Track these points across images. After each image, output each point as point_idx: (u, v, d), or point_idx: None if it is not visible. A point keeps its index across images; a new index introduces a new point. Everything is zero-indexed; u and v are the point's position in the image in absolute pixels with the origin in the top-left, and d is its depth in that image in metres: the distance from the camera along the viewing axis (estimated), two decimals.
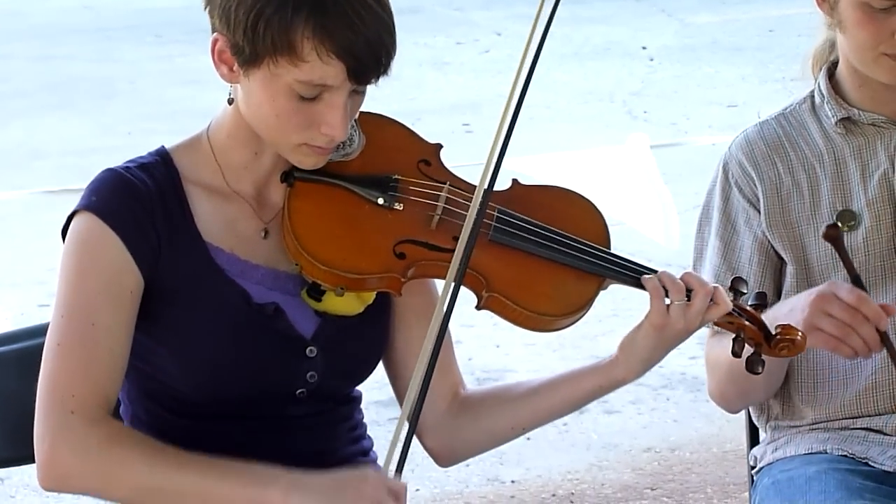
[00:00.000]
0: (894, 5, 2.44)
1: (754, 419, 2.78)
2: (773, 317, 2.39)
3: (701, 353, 4.72)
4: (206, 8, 2.11)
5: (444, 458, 2.37)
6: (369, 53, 2.05)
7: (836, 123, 2.60)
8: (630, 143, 3.46)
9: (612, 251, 2.23)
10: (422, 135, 2.25)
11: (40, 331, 2.28)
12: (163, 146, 2.21)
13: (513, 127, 2.08)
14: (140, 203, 2.13)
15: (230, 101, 2.15)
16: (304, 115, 2.08)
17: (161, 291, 2.13)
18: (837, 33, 2.57)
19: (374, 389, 2.37)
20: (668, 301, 2.17)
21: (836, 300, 2.34)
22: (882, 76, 2.54)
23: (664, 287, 2.17)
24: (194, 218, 2.16)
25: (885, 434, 2.54)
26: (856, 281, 2.37)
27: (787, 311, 2.42)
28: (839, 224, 2.38)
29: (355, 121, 2.17)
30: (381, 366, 2.35)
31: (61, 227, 2.15)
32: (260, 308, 2.16)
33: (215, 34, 2.08)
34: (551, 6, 2.11)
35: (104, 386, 2.09)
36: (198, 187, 2.18)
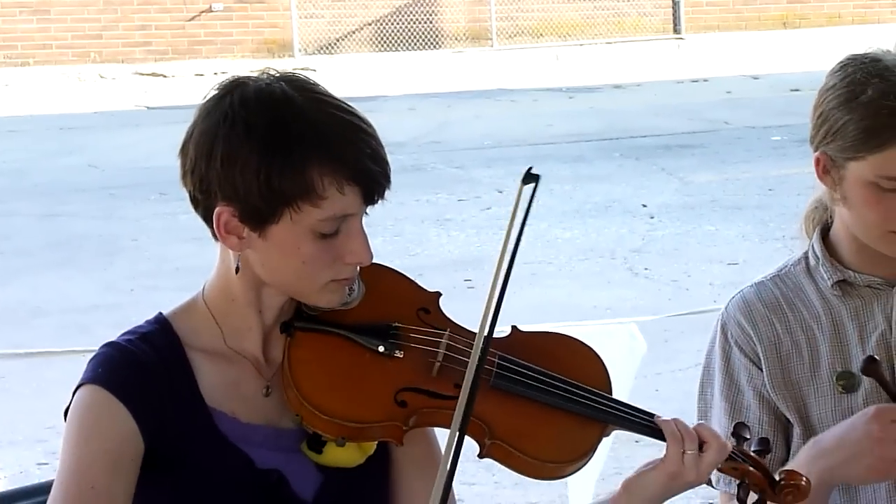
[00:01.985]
0: None
1: None
2: (815, 451, 2.44)
3: None
4: (194, 191, 2.14)
5: None
6: (378, 171, 2.10)
7: (832, 286, 2.61)
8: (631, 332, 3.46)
9: (615, 397, 2.23)
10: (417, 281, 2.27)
11: (40, 490, 2.28)
12: (160, 313, 2.22)
13: (509, 272, 2.06)
14: (144, 374, 2.14)
15: (237, 270, 2.15)
16: (329, 253, 2.11)
17: (165, 458, 2.13)
18: (839, 204, 2.59)
19: None
20: (683, 450, 2.16)
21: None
22: (888, 251, 2.56)
23: (682, 435, 2.16)
24: (198, 384, 2.17)
25: None
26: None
27: (838, 445, 2.42)
28: (876, 357, 2.37)
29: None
30: None
31: (65, 402, 2.15)
32: (263, 475, 2.15)
33: (217, 209, 2.10)
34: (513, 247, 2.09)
35: None
36: (199, 352, 2.19)
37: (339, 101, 2.14)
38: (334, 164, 2.06)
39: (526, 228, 2.10)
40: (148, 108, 18.54)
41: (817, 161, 2.57)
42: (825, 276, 2.62)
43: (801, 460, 2.44)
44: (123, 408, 2.11)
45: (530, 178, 2.11)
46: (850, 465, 2.39)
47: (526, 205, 2.09)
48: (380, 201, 2.13)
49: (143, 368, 2.14)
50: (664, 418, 2.20)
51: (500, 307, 2.05)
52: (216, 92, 2.15)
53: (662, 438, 2.20)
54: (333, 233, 2.09)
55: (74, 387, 2.15)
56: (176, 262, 8.84)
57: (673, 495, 2.21)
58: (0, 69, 22.08)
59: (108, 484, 2.08)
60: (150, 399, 2.12)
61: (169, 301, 2.26)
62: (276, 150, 2.06)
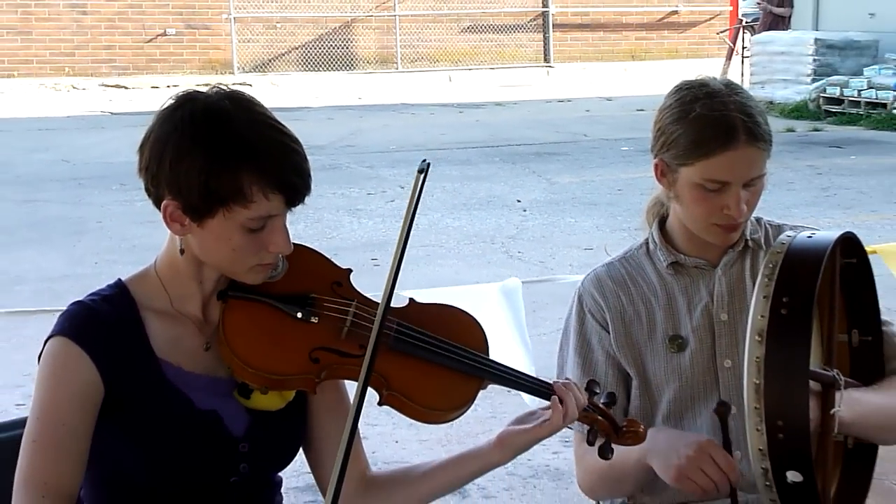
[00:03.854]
0: (722, 187, 2.48)
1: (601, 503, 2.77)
2: (652, 443, 2.42)
3: (561, 449, 4.78)
4: (148, 183, 2.13)
5: None
6: (299, 182, 2.09)
7: (666, 266, 2.64)
8: (506, 282, 3.47)
9: (491, 358, 2.23)
10: (332, 259, 2.26)
11: (17, 424, 2.26)
12: (119, 279, 2.21)
13: (406, 245, 2.08)
14: (104, 328, 2.12)
15: (182, 252, 2.15)
16: (255, 243, 2.09)
17: (121, 399, 2.11)
18: (673, 201, 2.62)
19: (293, 477, 2.34)
20: (552, 405, 2.19)
21: (713, 463, 2.36)
22: (712, 239, 2.59)
23: (552, 395, 2.19)
24: (149, 338, 2.15)
25: None
26: (726, 445, 2.36)
27: (666, 448, 2.44)
28: (727, 402, 2.36)
29: None
30: (298, 456, 2.32)
31: (39, 351, 2.13)
32: (202, 414, 2.15)
33: (165, 201, 2.08)
34: (407, 227, 2.10)
35: (71, 475, 2.07)
36: (150, 312, 2.18)
37: (273, 120, 2.12)
38: (262, 175, 2.05)
39: (422, 218, 2.11)
40: (112, 113, 18.30)
41: (656, 166, 2.59)
42: (661, 258, 2.65)
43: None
44: (86, 356, 2.09)
45: (423, 166, 2.12)
46: (663, 459, 2.41)
47: (419, 186, 2.09)
48: (303, 203, 2.12)
49: (104, 323, 2.13)
50: (539, 379, 2.23)
51: (395, 282, 2.04)
52: (172, 102, 2.13)
53: (529, 392, 2.23)
54: (260, 228, 2.08)
55: (45, 338, 2.13)
56: (133, 241, 8.74)
57: (539, 442, 2.23)
58: None
59: (75, 422, 2.07)
60: (109, 349, 2.11)
61: (126, 273, 2.24)
62: (215, 159, 2.04)
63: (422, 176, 2.10)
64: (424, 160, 2.15)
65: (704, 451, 2.36)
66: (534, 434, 2.19)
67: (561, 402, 2.17)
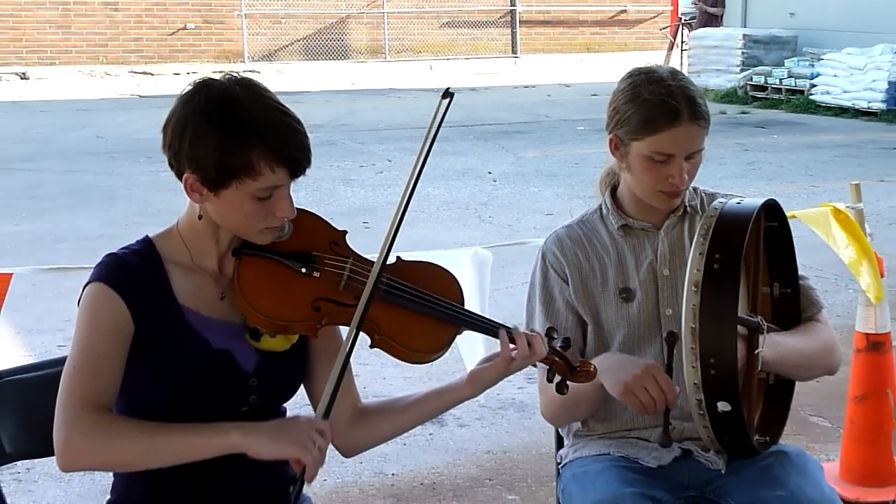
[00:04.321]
0: (667, 159, 2.49)
1: (561, 431, 2.79)
2: (606, 363, 2.44)
3: (525, 384, 4.80)
4: (171, 159, 2.12)
5: (348, 451, 2.35)
6: (301, 157, 2.09)
7: (617, 228, 2.64)
8: (478, 251, 3.47)
9: (466, 308, 2.24)
10: (330, 222, 2.26)
11: (59, 361, 2.26)
12: (147, 236, 2.21)
13: (401, 222, 2.10)
14: (134, 276, 2.12)
15: (200, 217, 2.15)
16: (264, 210, 2.09)
17: (148, 338, 2.11)
18: (624, 171, 2.61)
19: (295, 409, 2.34)
20: (513, 347, 2.20)
21: (655, 383, 2.36)
22: (657, 204, 2.60)
23: (513, 339, 2.20)
24: (171, 287, 2.15)
25: (649, 442, 2.55)
26: (668, 370, 2.36)
27: (618, 368, 2.44)
28: (675, 332, 2.35)
29: None
30: (300, 391, 2.33)
31: (78, 295, 2.13)
32: (217, 353, 2.15)
33: (185, 174, 2.09)
34: (429, 145, 2.14)
35: (105, 394, 2.07)
36: (173, 265, 2.17)
37: (278, 103, 2.11)
38: (269, 151, 2.04)
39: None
40: (140, 96, 18.15)
41: (610, 141, 2.59)
42: (613, 221, 2.65)
43: (597, 358, 2.47)
44: (119, 298, 2.09)
45: (447, 94, 2.16)
46: (613, 376, 2.41)
47: (444, 112, 2.13)
48: (304, 175, 2.12)
49: (133, 271, 2.13)
50: (507, 326, 2.24)
51: (392, 246, 2.08)
52: (190, 88, 2.12)
53: (495, 336, 2.23)
54: (267, 197, 2.08)
55: (83, 284, 2.13)
56: (158, 206, 8.68)
57: (504, 377, 2.25)
58: (35, 67, 21.64)
59: (111, 353, 2.07)
60: (138, 294, 2.11)
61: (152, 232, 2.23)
62: (228, 138, 2.04)
63: (445, 103, 2.14)
64: (448, 91, 2.18)
65: (649, 372, 2.37)
66: (497, 371, 2.21)
67: (518, 343, 2.20)
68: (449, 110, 2.17)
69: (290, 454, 2.01)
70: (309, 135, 2.12)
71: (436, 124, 2.15)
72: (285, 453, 2.01)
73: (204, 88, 2.10)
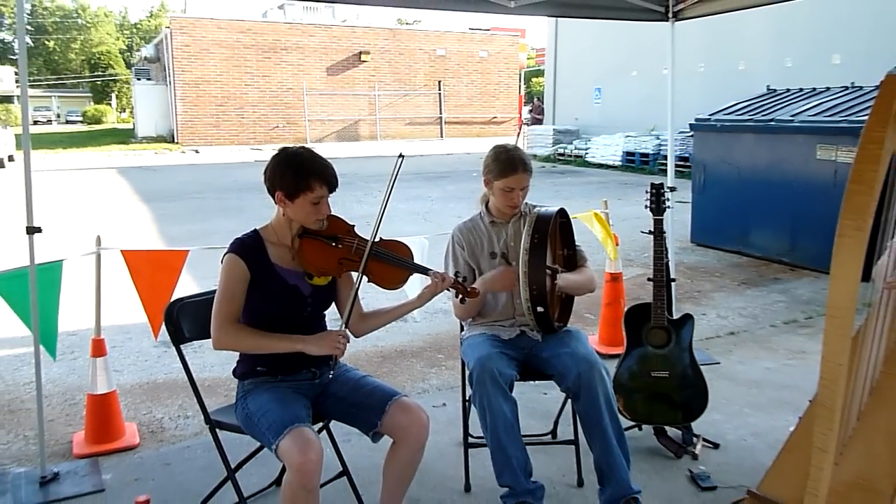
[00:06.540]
0: (512, 190, 2.45)
1: (462, 322, 2.73)
2: (489, 276, 2.38)
3: (447, 301, 4.71)
4: (269, 188, 2.04)
5: (357, 335, 2.26)
6: (334, 181, 2.02)
7: (489, 223, 2.59)
8: (421, 238, 3.40)
9: (415, 262, 2.17)
10: (348, 220, 2.18)
11: (211, 293, 2.19)
12: (255, 228, 2.13)
13: (380, 221, 2.04)
14: (249, 249, 2.04)
15: (283, 215, 2.06)
16: (315, 211, 2.02)
17: (257, 282, 2.03)
18: (491, 195, 2.56)
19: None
20: (436, 280, 2.14)
21: (512, 275, 2.35)
22: (507, 212, 2.55)
23: (438, 276, 2.14)
24: (268, 254, 2.07)
25: (504, 326, 2.53)
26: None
27: (490, 277, 2.40)
28: (501, 253, 2.34)
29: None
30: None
31: (221, 259, 2.05)
32: (291, 286, 2.07)
33: (277, 193, 2.02)
34: (392, 183, 2.05)
35: (235, 313, 1.99)
36: (269, 243, 2.09)
37: (321, 156, 2.05)
38: (319, 179, 1.99)
39: (389, 202, 2.08)
40: (255, 160, 17.60)
41: (485, 181, 2.52)
42: (486, 220, 2.61)
43: (477, 282, 2.44)
44: (241, 261, 2.02)
45: (401, 156, 2.09)
46: (491, 282, 2.38)
47: (397, 166, 2.05)
48: (334, 192, 2.06)
49: (249, 246, 2.06)
50: (435, 271, 2.19)
51: (379, 227, 2.03)
52: (276, 152, 2.05)
53: (427, 275, 2.16)
54: (317, 203, 2.02)
55: (223, 255, 2.05)
56: (262, 214, 8.39)
57: (435, 297, 2.17)
58: (202, 146, 20.82)
59: (238, 291, 2.00)
60: (250, 258, 2.04)
61: (259, 226, 2.15)
62: (297, 175, 1.98)
63: (399, 160, 2.06)
64: (400, 154, 2.11)
65: (507, 272, 2.37)
66: (431, 292, 2.16)
67: (440, 278, 2.15)
68: (404, 165, 2.13)
69: (327, 352, 1.97)
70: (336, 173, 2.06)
71: (395, 172, 2.08)
72: (325, 351, 1.97)
73: (283, 150, 2.05)
